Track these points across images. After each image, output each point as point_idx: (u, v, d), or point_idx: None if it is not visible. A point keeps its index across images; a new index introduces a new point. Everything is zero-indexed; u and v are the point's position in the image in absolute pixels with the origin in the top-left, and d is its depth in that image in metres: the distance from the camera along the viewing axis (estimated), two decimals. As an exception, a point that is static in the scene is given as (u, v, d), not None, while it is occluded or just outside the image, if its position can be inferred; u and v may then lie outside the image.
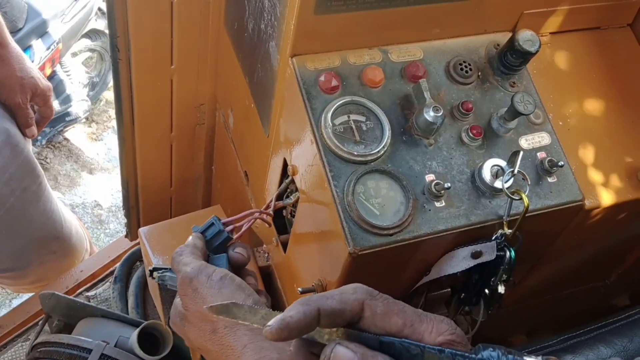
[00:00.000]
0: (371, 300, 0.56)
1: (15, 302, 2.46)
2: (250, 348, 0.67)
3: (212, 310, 0.60)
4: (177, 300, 0.79)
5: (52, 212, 1.59)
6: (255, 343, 0.67)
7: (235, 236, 0.91)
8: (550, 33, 1.07)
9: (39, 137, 2.96)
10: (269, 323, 0.53)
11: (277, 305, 1.15)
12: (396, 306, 0.56)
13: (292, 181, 0.99)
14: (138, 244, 1.79)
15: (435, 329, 0.55)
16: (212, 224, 0.89)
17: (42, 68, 2.72)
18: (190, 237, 0.86)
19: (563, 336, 1.12)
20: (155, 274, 0.88)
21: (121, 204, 1.73)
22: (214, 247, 0.88)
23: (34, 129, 1.45)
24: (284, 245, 1.08)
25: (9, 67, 1.35)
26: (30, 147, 1.47)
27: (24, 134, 1.43)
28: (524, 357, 0.53)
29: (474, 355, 0.54)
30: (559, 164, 0.93)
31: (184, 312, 0.76)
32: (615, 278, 1.37)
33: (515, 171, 0.90)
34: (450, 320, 0.57)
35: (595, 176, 1.00)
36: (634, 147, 1.04)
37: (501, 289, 1.03)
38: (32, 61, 2.60)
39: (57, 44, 2.76)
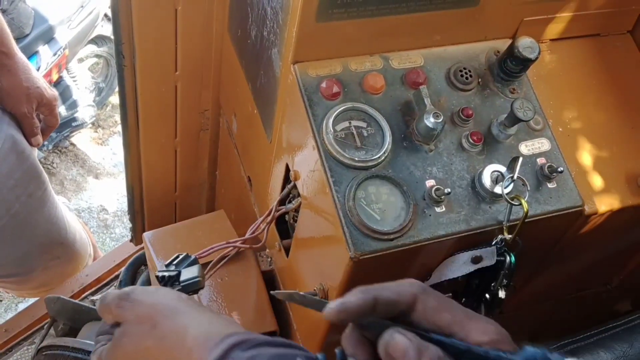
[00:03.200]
0: (424, 295, 0.58)
1: (22, 306, 2.47)
2: (192, 326, 0.68)
3: (279, 296, 0.72)
4: (103, 336, 0.77)
5: (57, 218, 1.60)
6: (195, 320, 0.69)
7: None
8: (550, 40, 1.07)
9: (45, 142, 2.98)
10: (330, 305, 0.57)
11: (280, 308, 1.16)
12: (447, 303, 0.59)
13: (294, 186, 1.00)
14: (143, 248, 1.80)
15: (482, 328, 0.57)
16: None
17: (48, 74, 2.74)
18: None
19: (563, 341, 1.12)
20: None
21: (127, 209, 1.74)
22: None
23: (40, 137, 1.46)
24: (287, 250, 1.09)
25: (16, 77, 1.36)
26: (35, 154, 1.48)
27: (30, 143, 1.44)
28: (566, 358, 0.54)
29: (516, 358, 0.54)
30: (559, 169, 0.94)
31: (119, 329, 0.75)
32: (617, 283, 1.37)
33: (515, 177, 0.90)
34: (496, 322, 0.59)
35: (595, 182, 1.00)
36: (633, 153, 1.04)
37: (502, 293, 1.03)
38: (39, 67, 2.62)
39: (64, 49, 2.78)
